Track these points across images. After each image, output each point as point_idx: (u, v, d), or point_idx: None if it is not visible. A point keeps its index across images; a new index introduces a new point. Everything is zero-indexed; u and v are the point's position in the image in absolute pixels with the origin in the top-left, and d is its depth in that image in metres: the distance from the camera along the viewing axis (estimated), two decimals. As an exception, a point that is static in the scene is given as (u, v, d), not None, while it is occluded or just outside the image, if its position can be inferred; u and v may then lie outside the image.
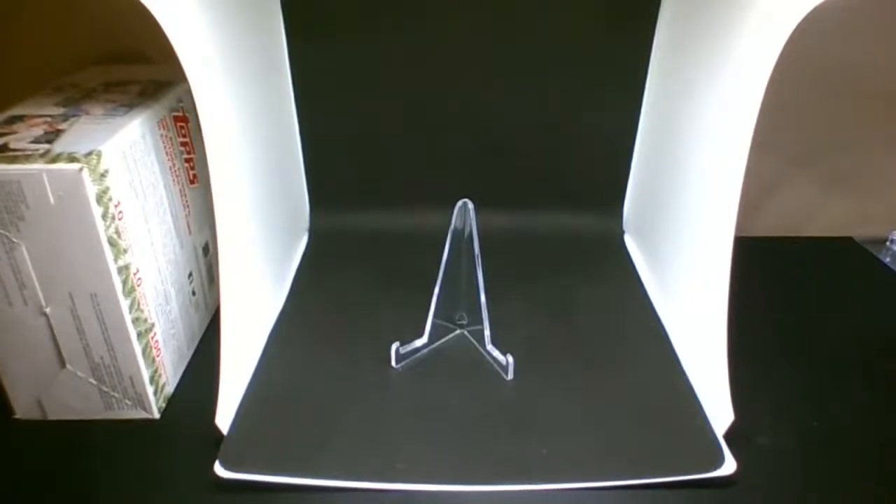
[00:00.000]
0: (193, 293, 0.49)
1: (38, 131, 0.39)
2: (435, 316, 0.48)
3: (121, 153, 0.38)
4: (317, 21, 0.57)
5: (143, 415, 0.43)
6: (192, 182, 0.48)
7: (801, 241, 0.67)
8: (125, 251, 0.39)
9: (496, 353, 0.47)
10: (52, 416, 0.43)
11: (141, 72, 0.51)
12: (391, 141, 0.62)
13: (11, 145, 0.37)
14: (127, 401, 0.43)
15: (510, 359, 0.46)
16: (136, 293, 0.40)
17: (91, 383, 0.42)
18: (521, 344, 0.48)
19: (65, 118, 0.41)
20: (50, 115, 0.41)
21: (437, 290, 0.47)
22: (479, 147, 0.63)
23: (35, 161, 0.35)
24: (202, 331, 0.51)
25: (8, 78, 0.53)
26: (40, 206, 0.36)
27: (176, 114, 0.46)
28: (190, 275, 0.49)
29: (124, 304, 0.39)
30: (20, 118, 0.41)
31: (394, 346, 0.47)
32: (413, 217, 0.63)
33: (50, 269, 0.38)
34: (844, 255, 0.64)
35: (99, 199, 0.36)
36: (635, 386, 0.46)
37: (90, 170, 0.35)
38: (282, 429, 0.42)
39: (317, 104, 0.60)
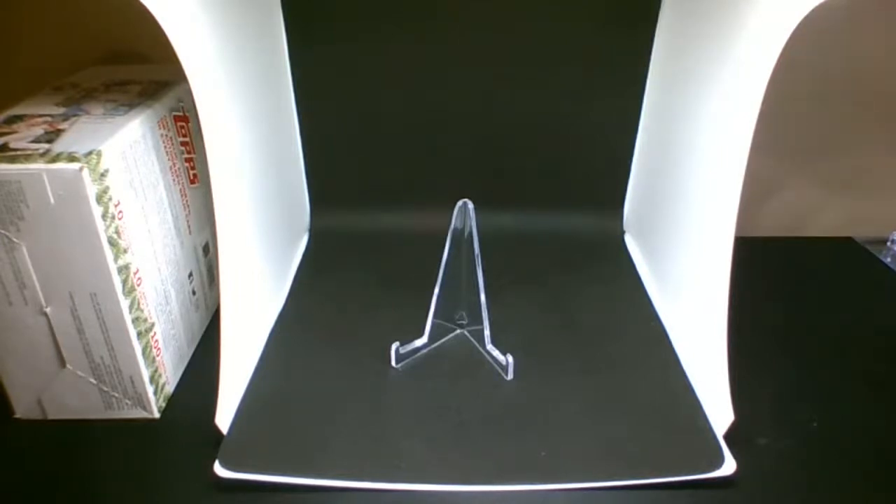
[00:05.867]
0: (193, 293, 0.49)
1: (39, 131, 0.39)
2: (435, 316, 0.48)
3: (121, 153, 0.38)
4: (317, 21, 0.57)
5: (143, 414, 0.43)
6: (192, 182, 0.48)
7: (801, 241, 0.67)
8: (125, 251, 0.39)
9: (496, 353, 0.47)
10: (52, 416, 0.43)
11: (141, 72, 0.51)
12: (391, 141, 0.62)
13: (11, 145, 0.37)
14: (127, 400, 0.43)
15: (510, 359, 0.46)
16: (136, 293, 0.40)
17: (91, 383, 0.42)
18: (521, 344, 0.48)
19: (65, 118, 0.41)
20: (50, 115, 0.41)
21: (437, 290, 0.47)
22: (479, 147, 0.63)
23: (35, 161, 0.35)
24: (202, 331, 0.51)
25: (8, 78, 0.53)
26: (40, 205, 0.36)
27: (176, 114, 0.46)
28: (190, 275, 0.49)
29: (124, 303, 0.39)
30: (20, 118, 0.41)
31: (394, 346, 0.47)
32: (413, 217, 0.63)
33: (50, 269, 0.38)
34: (844, 255, 0.64)
35: (99, 199, 0.36)
36: (635, 386, 0.45)
37: (90, 169, 0.35)
38: (282, 429, 0.42)
39: (317, 104, 0.60)
